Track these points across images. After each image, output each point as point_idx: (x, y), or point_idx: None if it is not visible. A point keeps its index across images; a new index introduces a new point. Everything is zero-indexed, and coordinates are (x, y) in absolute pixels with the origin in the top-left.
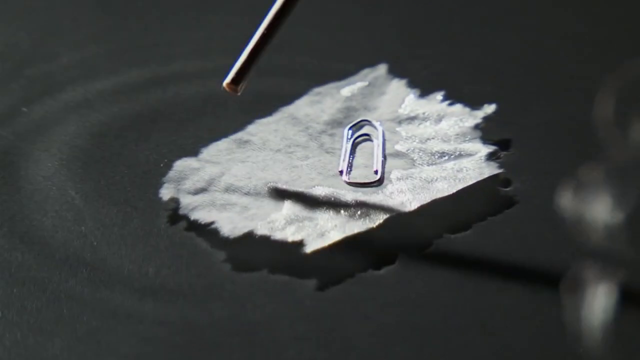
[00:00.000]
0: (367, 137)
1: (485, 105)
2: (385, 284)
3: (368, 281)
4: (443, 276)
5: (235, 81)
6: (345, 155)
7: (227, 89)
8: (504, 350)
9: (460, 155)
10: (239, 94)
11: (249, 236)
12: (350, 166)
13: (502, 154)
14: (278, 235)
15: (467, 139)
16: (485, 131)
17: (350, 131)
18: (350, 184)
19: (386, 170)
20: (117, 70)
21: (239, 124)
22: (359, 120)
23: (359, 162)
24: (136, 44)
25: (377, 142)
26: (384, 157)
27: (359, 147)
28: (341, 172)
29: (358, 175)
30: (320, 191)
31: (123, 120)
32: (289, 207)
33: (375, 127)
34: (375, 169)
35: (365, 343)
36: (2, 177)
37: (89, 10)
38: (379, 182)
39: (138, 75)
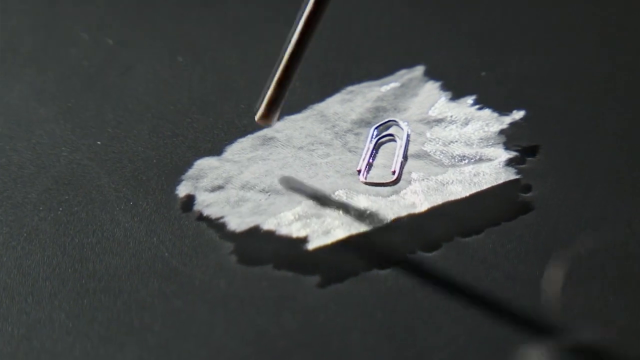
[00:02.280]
0: (392, 138)
1: (514, 111)
2: (458, 297)
3: (439, 293)
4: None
5: (267, 115)
6: (366, 154)
7: (260, 123)
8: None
9: (480, 160)
10: (272, 124)
11: (261, 232)
12: (369, 165)
13: (526, 159)
14: (283, 231)
15: (490, 143)
16: (515, 137)
17: (376, 131)
18: (366, 183)
19: (405, 171)
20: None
21: None
22: (386, 120)
23: (380, 162)
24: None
25: (400, 143)
26: (405, 158)
27: (383, 147)
28: (359, 171)
29: (375, 175)
30: (333, 188)
31: (195, 131)
32: (300, 204)
33: (401, 128)
34: (392, 170)
35: (438, 354)
36: (73, 189)
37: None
38: (395, 183)
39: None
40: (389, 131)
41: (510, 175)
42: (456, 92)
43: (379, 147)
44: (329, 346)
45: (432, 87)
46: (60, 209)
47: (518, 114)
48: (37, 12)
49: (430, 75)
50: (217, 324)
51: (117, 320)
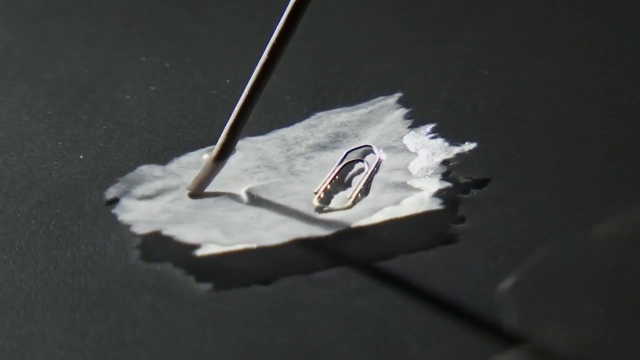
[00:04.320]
0: (361, 163)
1: (467, 143)
2: (449, 311)
3: (427, 307)
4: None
5: (220, 157)
6: (328, 178)
7: (212, 165)
8: None
9: (410, 189)
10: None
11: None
12: (327, 189)
13: (470, 190)
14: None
15: (427, 173)
16: (467, 168)
17: (350, 154)
18: (317, 208)
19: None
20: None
21: None
22: (361, 145)
23: (340, 186)
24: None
25: (367, 169)
26: (367, 185)
27: (351, 172)
28: (316, 193)
29: (333, 199)
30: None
31: (187, 145)
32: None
33: (374, 153)
34: (349, 196)
35: None
36: (65, 202)
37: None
38: (348, 208)
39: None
40: (361, 157)
41: (432, 206)
42: (423, 120)
43: (347, 172)
44: (319, 358)
45: (398, 115)
46: (52, 222)
47: (468, 146)
48: (27, 26)
49: (405, 101)
50: (209, 339)
51: (109, 335)
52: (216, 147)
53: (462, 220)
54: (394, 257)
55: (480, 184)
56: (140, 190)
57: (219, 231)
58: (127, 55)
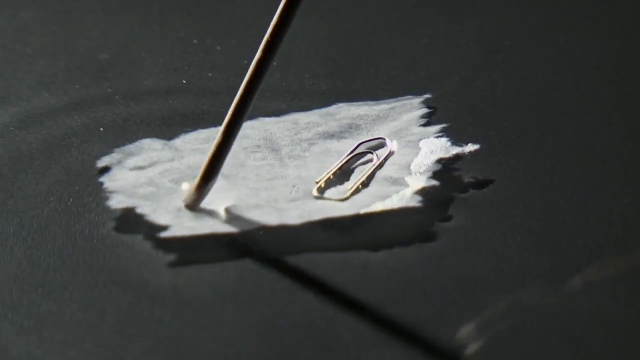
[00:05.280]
0: (370, 155)
1: (469, 144)
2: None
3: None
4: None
5: (204, 181)
6: (334, 167)
7: (195, 191)
8: None
9: (397, 184)
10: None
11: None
12: (329, 179)
13: (469, 189)
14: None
15: (420, 170)
16: (469, 168)
17: (361, 146)
18: (317, 196)
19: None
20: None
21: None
22: (375, 137)
23: (345, 176)
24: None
25: (375, 161)
26: (369, 178)
27: (358, 163)
28: (317, 182)
29: (334, 189)
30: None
31: (206, 123)
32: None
33: (387, 146)
34: (350, 186)
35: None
36: (84, 179)
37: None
38: (344, 200)
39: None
40: (373, 149)
41: (411, 203)
42: (439, 119)
43: (355, 162)
44: (338, 339)
45: (416, 115)
46: (71, 200)
47: (470, 147)
48: (47, 4)
49: (432, 102)
50: (227, 316)
51: (127, 312)
52: (200, 173)
53: (448, 219)
54: (356, 249)
55: (481, 184)
56: (133, 161)
57: (190, 215)
58: (147, 34)
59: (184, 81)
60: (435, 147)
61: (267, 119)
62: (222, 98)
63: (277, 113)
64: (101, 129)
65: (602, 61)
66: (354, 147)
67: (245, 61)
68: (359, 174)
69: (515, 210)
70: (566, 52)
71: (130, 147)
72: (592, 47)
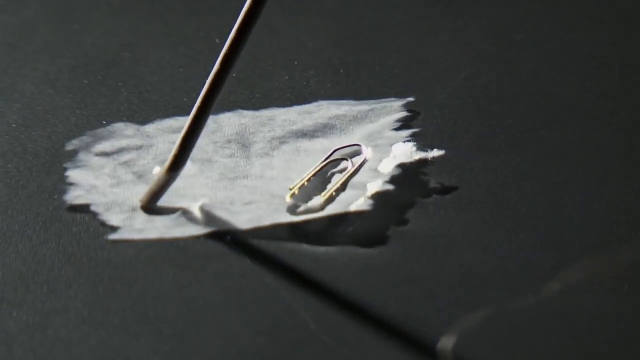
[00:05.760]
0: (345, 162)
1: (435, 150)
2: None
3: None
4: None
5: (173, 168)
6: (308, 174)
7: (165, 176)
8: None
9: (351, 188)
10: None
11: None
12: (302, 185)
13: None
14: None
15: (376, 174)
16: (440, 171)
17: (336, 153)
18: (290, 206)
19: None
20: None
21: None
22: (351, 144)
23: (317, 183)
24: None
25: (349, 169)
26: (344, 186)
27: (334, 169)
28: (290, 189)
29: (308, 197)
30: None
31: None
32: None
33: (362, 153)
34: (323, 193)
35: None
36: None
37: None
38: (320, 209)
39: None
40: (348, 156)
41: (363, 207)
42: (414, 124)
43: (330, 169)
44: (342, 335)
45: (392, 119)
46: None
47: (434, 153)
48: (51, 1)
49: (413, 106)
50: (231, 314)
51: (132, 310)
52: (169, 158)
53: (452, 216)
54: (359, 246)
55: (485, 182)
56: (101, 146)
57: (144, 216)
58: (151, 30)
59: (189, 78)
60: (399, 152)
61: (245, 112)
62: (227, 95)
63: (255, 106)
64: (105, 126)
65: (606, 58)
66: (329, 153)
67: (248, 59)
68: (333, 182)
69: (520, 208)
70: (571, 49)
71: (101, 131)
72: (596, 44)
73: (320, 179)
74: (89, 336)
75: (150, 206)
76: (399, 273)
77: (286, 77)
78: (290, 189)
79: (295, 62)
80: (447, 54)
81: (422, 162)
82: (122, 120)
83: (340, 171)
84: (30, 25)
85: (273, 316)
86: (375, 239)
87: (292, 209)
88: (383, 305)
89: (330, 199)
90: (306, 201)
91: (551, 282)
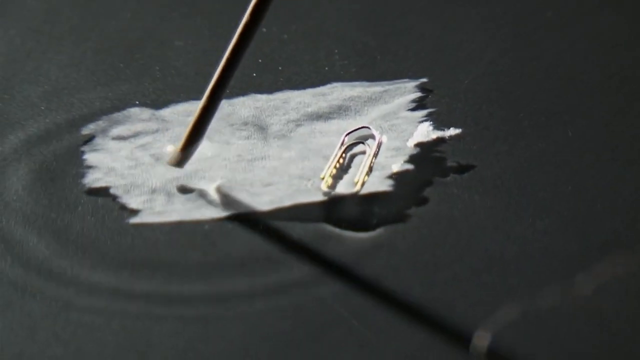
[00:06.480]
0: (362, 145)
1: (452, 129)
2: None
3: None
4: None
5: (189, 143)
6: (332, 161)
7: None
8: None
9: (369, 169)
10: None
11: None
12: (334, 173)
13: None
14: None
15: (394, 154)
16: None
17: (347, 138)
18: (325, 192)
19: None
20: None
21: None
22: (358, 127)
23: (345, 169)
24: None
25: (368, 152)
26: (370, 168)
27: (351, 154)
28: (322, 178)
29: (339, 184)
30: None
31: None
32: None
33: (374, 136)
34: (355, 179)
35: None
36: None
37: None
38: (356, 194)
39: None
40: (361, 139)
41: (381, 187)
42: (429, 105)
43: (347, 154)
44: (367, 319)
45: (407, 99)
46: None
47: (451, 132)
48: None
49: (427, 87)
50: (257, 298)
51: (155, 294)
52: (183, 137)
53: (476, 200)
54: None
55: (509, 167)
56: (118, 130)
57: (163, 195)
58: (176, 15)
59: (213, 62)
60: (416, 132)
61: (258, 96)
62: (252, 79)
63: (269, 89)
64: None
65: (630, 43)
66: (341, 137)
67: (276, 43)
68: (358, 165)
69: (544, 193)
70: (595, 34)
71: (117, 116)
72: (620, 29)
73: (342, 164)
74: (112, 320)
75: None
76: (423, 257)
77: (311, 62)
78: (322, 178)
79: (320, 47)
80: (472, 39)
81: (439, 142)
82: (146, 104)
83: (357, 154)
84: (55, 10)
85: (297, 300)
86: (399, 223)
87: (328, 196)
88: (408, 289)
89: (363, 185)
90: (340, 189)
91: (583, 280)
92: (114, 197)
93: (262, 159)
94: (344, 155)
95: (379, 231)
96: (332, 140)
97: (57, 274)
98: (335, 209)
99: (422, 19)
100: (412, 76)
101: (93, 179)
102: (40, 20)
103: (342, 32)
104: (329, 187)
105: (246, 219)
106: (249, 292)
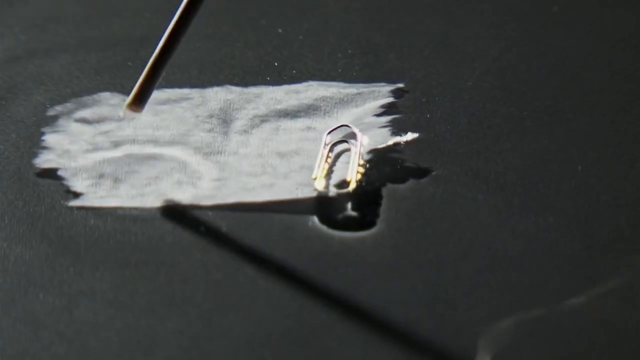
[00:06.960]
0: (346, 144)
1: (409, 133)
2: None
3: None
4: None
5: (137, 101)
6: (320, 160)
7: (128, 110)
8: None
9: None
10: (140, 112)
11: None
12: (327, 172)
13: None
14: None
15: (344, 160)
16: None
17: (329, 136)
18: (321, 191)
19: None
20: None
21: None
22: (339, 125)
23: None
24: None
25: (354, 150)
26: (360, 165)
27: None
28: (315, 179)
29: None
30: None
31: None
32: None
33: (355, 134)
34: (348, 178)
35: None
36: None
37: None
38: (350, 191)
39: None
40: (343, 137)
41: (324, 192)
42: (398, 111)
43: (332, 153)
44: (369, 317)
45: (377, 104)
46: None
47: (407, 137)
48: None
49: (401, 93)
50: (258, 296)
51: (158, 293)
52: (132, 94)
53: (480, 198)
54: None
55: (513, 164)
56: (84, 112)
57: (110, 181)
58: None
59: (218, 58)
60: (373, 136)
61: (233, 87)
62: (255, 77)
63: (244, 82)
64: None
65: (635, 40)
66: (323, 138)
67: (280, 30)
68: (346, 164)
69: (548, 191)
70: (599, 31)
71: (87, 99)
72: (625, 26)
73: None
74: (115, 318)
75: (140, 107)
76: (426, 255)
77: (314, 59)
78: (315, 179)
79: (324, 44)
80: (476, 37)
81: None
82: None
83: (341, 153)
84: (58, 7)
85: (300, 299)
86: (402, 221)
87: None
88: (410, 288)
89: (356, 183)
90: (333, 187)
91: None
92: (60, 179)
93: (218, 153)
94: (329, 154)
95: (381, 230)
96: (293, 138)
97: (59, 273)
98: (332, 208)
99: (426, 16)
100: (415, 74)
101: (44, 160)
102: (43, 18)
103: (346, 30)
104: (322, 187)
105: (241, 218)
106: (251, 290)
